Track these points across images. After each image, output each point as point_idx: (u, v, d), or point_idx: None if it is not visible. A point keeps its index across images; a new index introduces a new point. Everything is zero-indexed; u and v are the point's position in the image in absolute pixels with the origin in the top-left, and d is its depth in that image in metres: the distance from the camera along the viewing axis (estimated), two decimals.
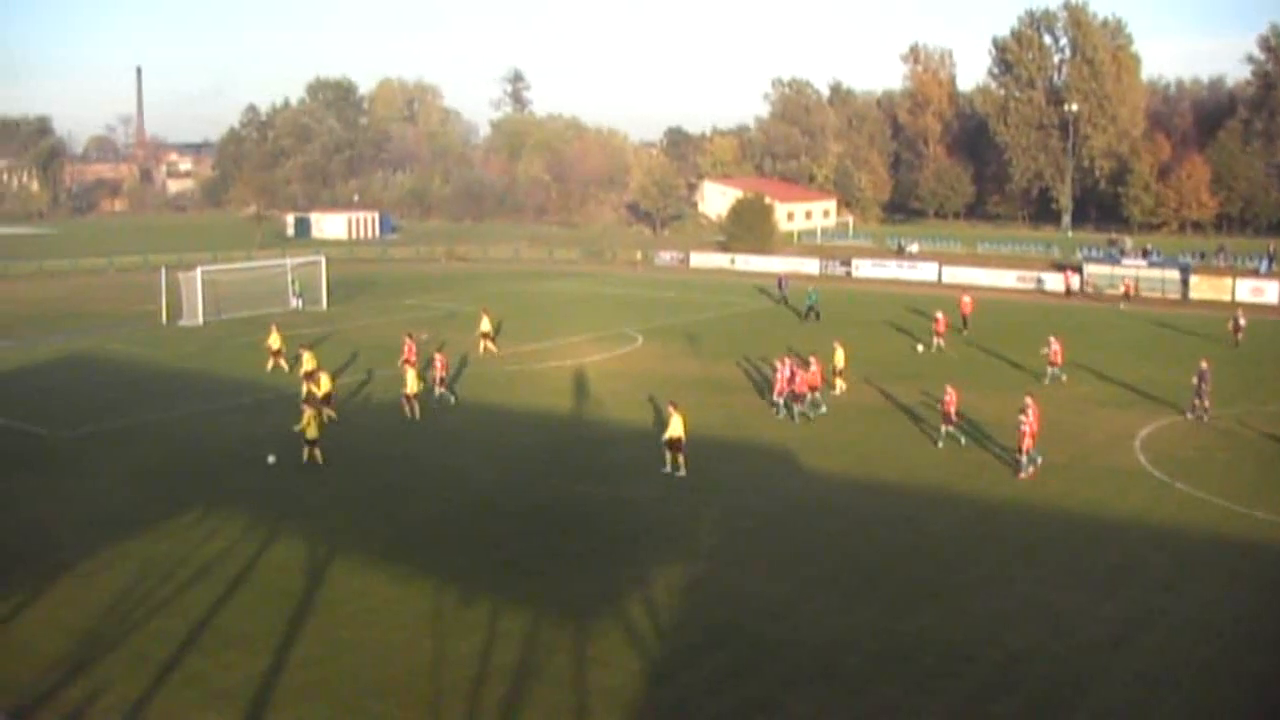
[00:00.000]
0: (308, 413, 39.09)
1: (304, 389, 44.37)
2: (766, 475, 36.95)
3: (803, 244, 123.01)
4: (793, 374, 44.49)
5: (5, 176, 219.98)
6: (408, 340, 50.81)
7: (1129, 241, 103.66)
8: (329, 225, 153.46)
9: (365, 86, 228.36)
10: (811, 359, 46.24)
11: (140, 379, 53.36)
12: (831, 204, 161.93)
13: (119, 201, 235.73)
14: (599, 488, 35.57)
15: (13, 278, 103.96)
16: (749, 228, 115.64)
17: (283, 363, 53.41)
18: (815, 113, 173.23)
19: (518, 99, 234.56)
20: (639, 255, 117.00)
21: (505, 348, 60.32)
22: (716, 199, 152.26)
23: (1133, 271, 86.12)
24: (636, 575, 27.94)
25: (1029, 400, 37.76)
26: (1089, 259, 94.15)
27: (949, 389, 40.93)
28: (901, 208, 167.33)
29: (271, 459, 37.71)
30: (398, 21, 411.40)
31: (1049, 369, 51.14)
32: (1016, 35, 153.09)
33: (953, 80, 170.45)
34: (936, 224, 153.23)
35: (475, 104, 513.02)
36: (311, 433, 38.17)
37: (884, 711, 21.27)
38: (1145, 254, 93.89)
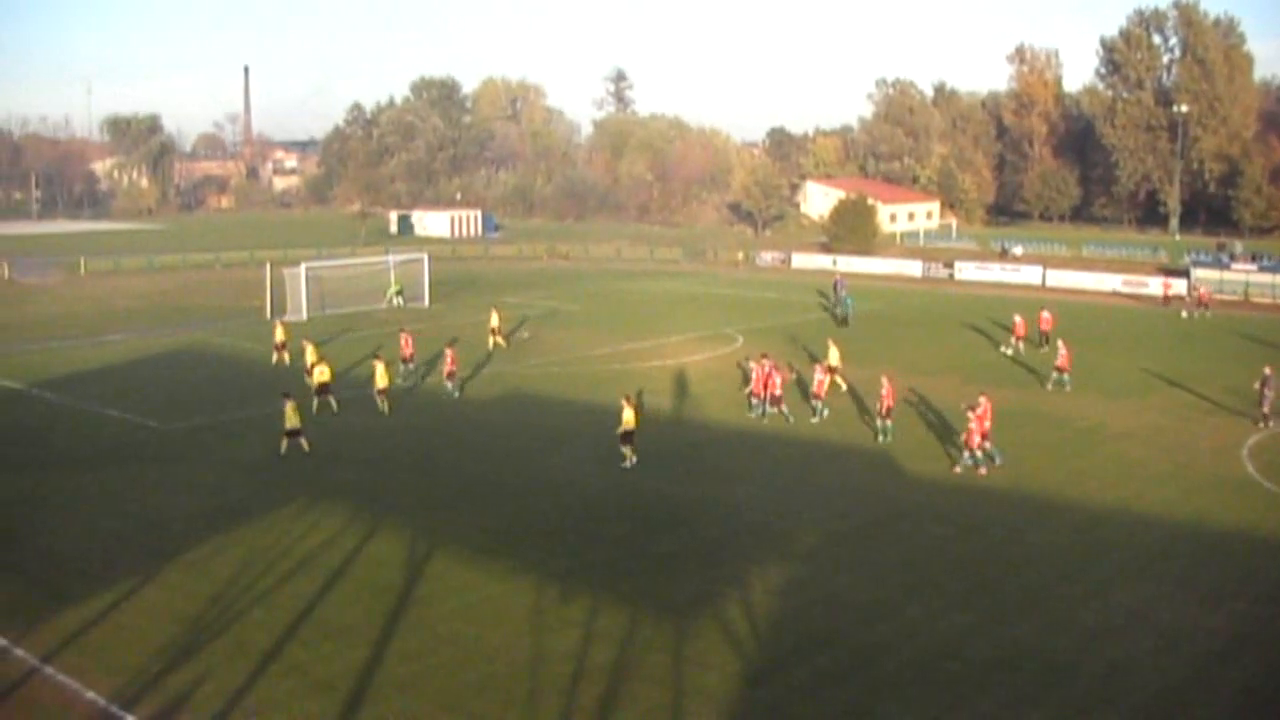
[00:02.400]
0: (289, 405, 39.65)
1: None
2: (867, 479, 36.66)
3: (905, 246, 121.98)
4: (769, 375, 44.43)
5: (116, 174, 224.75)
6: (404, 335, 53.13)
7: (1239, 245, 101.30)
8: (432, 223, 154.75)
9: (469, 85, 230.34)
10: (817, 367, 46.08)
11: (246, 373, 54.23)
12: (935, 205, 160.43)
13: (226, 198, 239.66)
14: (698, 488, 35.53)
15: (124, 273, 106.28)
16: (851, 229, 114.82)
17: (285, 357, 54.90)
18: (919, 113, 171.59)
19: (620, 98, 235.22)
20: (740, 255, 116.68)
21: (607, 347, 60.49)
22: (819, 199, 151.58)
23: (1215, 275, 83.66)
24: (734, 576, 27.86)
25: (982, 399, 37.95)
26: (1197, 263, 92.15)
27: (885, 380, 41.72)
28: (1006, 210, 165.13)
29: None
30: (502, 21, 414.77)
31: (1054, 374, 50.17)
32: (1125, 35, 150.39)
33: (1059, 81, 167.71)
34: (1041, 226, 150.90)
35: (578, 103, 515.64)
36: (295, 422, 39.25)
37: None
38: (1254, 259, 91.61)
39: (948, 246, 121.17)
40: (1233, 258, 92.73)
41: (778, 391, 44.19)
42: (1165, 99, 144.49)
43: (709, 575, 28.09)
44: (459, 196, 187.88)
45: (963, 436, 37.70)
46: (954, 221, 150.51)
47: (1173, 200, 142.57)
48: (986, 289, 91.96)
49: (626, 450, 37.77)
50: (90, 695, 21.76)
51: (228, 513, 32.91)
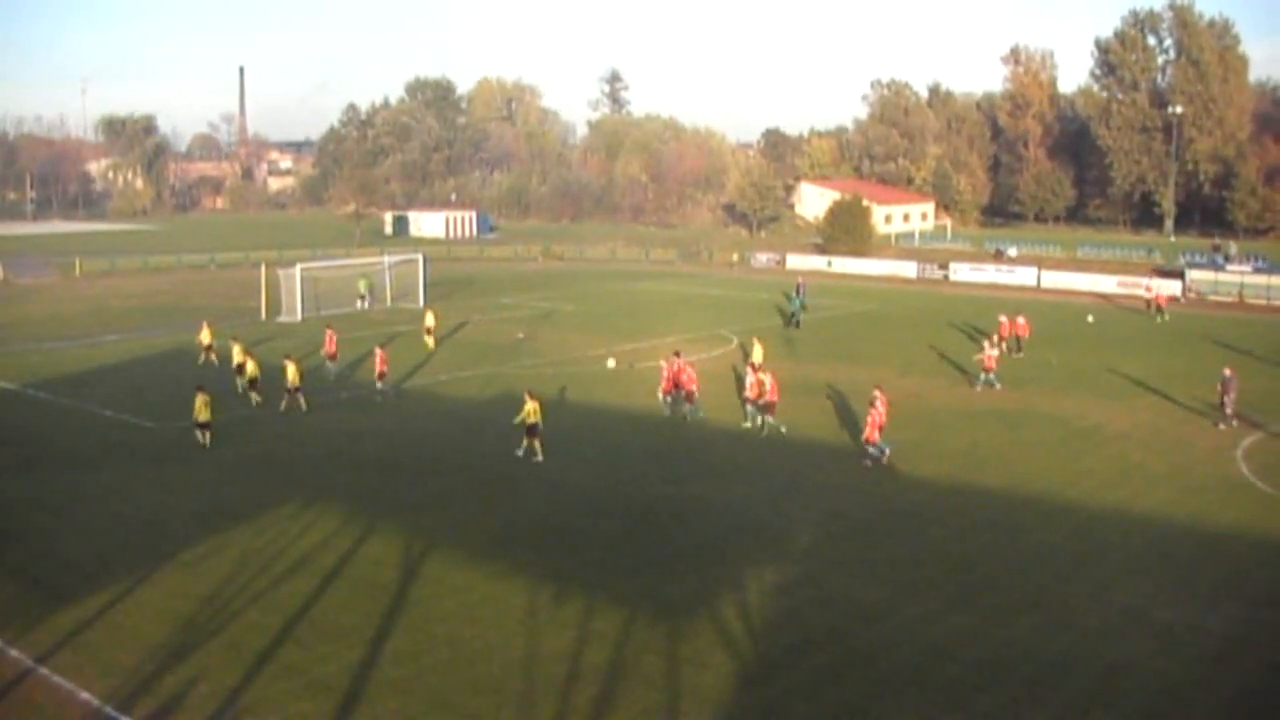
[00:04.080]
0: (200, 398, 40.37)
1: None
2: (866, 479, 36.60)
3: (900, 247, 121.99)
4: (679, 372, 44.83)
5: (111, 174, 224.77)
6: (329, 333, 53.74)
7: (1234, 247, 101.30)
8: (427, 224, 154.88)
9: (464, 86, 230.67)
10: (751, 370, 45.86)
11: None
12: (930, 207, 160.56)
13: (221, 199, 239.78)
14: (694, 488, 35.46)
15: (119, 273, 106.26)
16: (846, 230, 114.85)
17: (213, 357, 55.23)
18: (914, 114, 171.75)
19: (615, 99, 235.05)
20: (735, 256, 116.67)
21: (602, 347, 60.44)
22: (814, 200, 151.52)
23: (1155, 281, 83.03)
24: (731, 576, 27.81)
25: (878, 392, 38.89)
26: (1192, 264, 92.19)
27: (751, 370, 42.97)
28: (1000, 211, 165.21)
29: None
30: (497, 22, 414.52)
31: (983, 374, 50.32)
32: (1120, 36, 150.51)
33: (1054, 82, 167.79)
34: (1036, 228, 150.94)
35: (573, 104, 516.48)
36: (205, 416, 40.23)
37: None
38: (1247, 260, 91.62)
39: (942, 248, 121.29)
40: (1227, 259, 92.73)
41: (692, 388, 44.52)
42: (1160, 100, 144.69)
43: (705, 575, 28.02)
44: (454, 197, 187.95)
45: (864, 434, 38.28)
46: (949, 223, 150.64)
47: (1167, 201, 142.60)
48: (981, 290, 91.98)
49: (532, 443, 38.41)
50: (85, 695, 21.67)
51: (223, 513, 32.83)
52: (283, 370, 46.71)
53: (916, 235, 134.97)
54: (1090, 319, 71.71)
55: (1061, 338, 64.39)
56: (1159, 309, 75.23)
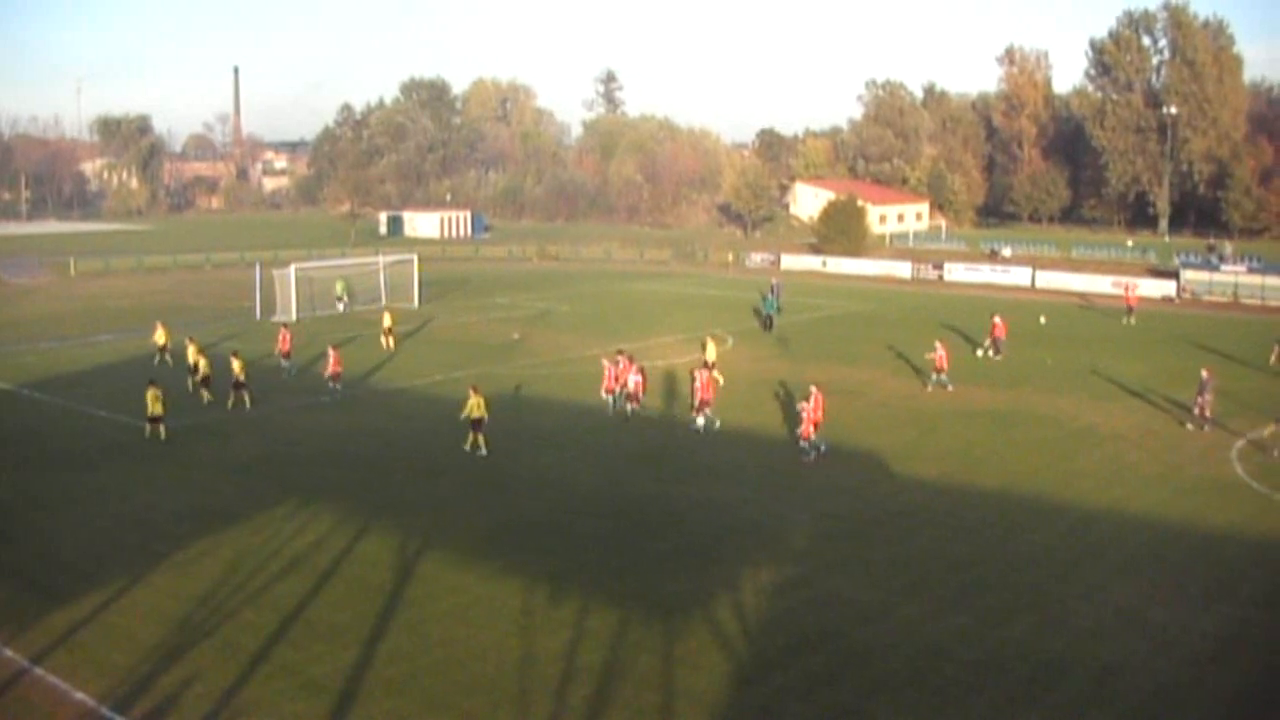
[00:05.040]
0: (151, 392, 41.49)
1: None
2: (861, 479, 36.61)
3: (895, 247, 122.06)
4: (624, 371, 45.30)
5: (106, 174, 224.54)
6: (283, 331, 54.96)
7: (1229, 247, 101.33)
8: (422, 224, 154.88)
9: (459, 86, 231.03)
10: (704, 368, 46.45)
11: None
12: (924, 207, 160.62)
13: (216, 199, 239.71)
14: (689, 488, 35.46)
15: (113, 273, 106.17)
16: (841, 230, 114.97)
17: (167, 358, 55.32)
18: (909, 115, 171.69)
19: (610, 99, 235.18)
20: (730, 257, 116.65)
21: (597, 348, 60.38)
22: (809, 201, 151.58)
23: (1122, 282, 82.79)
24: (726, 577, 27.81)
25: (814, 389, 39.45)
26: (1186, 264, 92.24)
27: (696, 374, 43.75)
28: (995, 211, 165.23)
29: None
30: (492, 22, 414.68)
31: (934, 374, 50.46)
32: (1115, 36, 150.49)
33: (1049, 82, 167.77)
34: (1031, 228, 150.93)
35: (568, 104, 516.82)
36: (157, 410, 41.26)
37: None
38: (1242, 260, 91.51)
39: (937, 248, 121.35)
40: (1222, 259, 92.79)
41: (633, 389, 44.94)
42: (1155, 101, 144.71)
43: (700, 575, 28.02)
44: (449, 197, 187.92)
45: (799, 429, 38.89)
46: (943, 223, 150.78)
47: (1162, 202, 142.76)
48: (976, 290, 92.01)
49: (477, 438, 39.23)
50: (80, 696, 21.65)
51: (217, 513, 32.79)
52: (229, 366, 47.39)
53: (911, 235, 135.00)
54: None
55: (1058, 335, 64.50)
56: (1128, 309, 74.98)
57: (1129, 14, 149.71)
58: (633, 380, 44.78)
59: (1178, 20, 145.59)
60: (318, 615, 25.46)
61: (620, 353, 47.97)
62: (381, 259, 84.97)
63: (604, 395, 46.08)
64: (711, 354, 50.85)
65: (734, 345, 62.25)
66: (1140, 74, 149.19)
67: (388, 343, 61.07)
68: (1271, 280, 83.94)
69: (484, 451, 38.91)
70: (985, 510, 33.36)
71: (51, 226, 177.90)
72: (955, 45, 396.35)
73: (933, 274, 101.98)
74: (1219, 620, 25.46)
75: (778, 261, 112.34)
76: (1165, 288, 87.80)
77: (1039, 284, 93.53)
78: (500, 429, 40.99)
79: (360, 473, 37.34)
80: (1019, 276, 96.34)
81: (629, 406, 44.84)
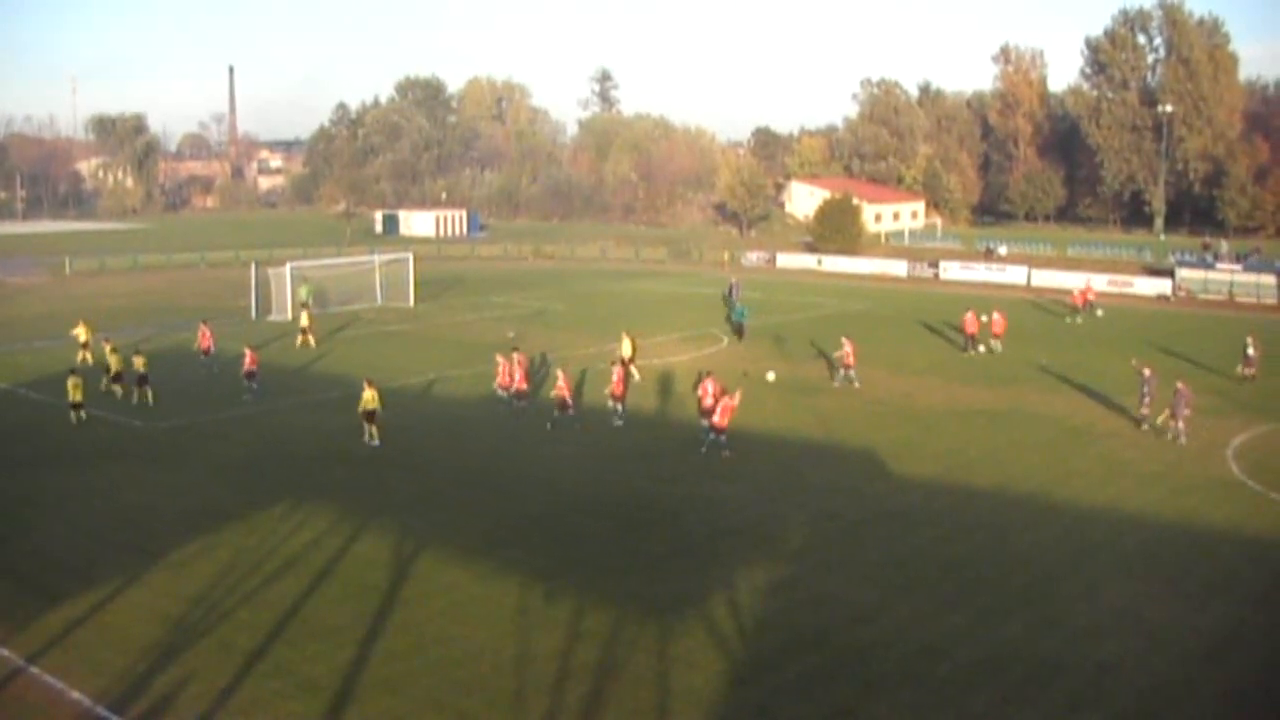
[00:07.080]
0: (71, 380, 44.00)
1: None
2: (856, 479, 36.59)
3: (890, 246, 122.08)
4: (516, 368, 46.53)
5: (101, 173, 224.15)
6: (203, 328, 56.04)
7: (1224, 245, 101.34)
8: (417, 223, 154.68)
9: (454, 85, 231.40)
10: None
11: (231, 373, 53.97)
12: (920, 205, 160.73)
13: (211, 198, 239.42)
14: (684, 488, 35.44)
15: (109, 272, 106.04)
16: (837, 229, 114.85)
17: (88, 356, 55.30)
18: (904, 113, 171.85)
19: (606, 98, 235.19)
20: (726, 255, 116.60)
21: (592, 347, 60.41)
22: (804, 199, 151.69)
23: (1082, 281, 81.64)
24: (721, 576, 27.81)
25: (708, 380, 41.03)
26: (1182, 263, 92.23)
27: (617, 368, 44.72)
28: (991, 210, 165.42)
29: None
30: (487, 21, 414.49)
31: (842, 370, 50.91)
32: (1110, 35, 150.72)
33: (1044, 81, 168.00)
34: (1026, 227, 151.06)
35: (563, 103, 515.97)
36: (77, 397, 43.73)
37: None
38: (1239, 258, 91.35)
39: (933, 246, 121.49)
40: (1217, 257, 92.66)
41: (524, 387, 46.38)
42: (1150, 99, 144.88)
43: (696, 575, 28.02)
44: (444, 196, 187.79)
45: (710, 420, 39.35)
46: (939, 221, 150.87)
47: (1157, 200, 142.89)
48: (972, 289, 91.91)
49: (370, 429, 40.51)
50: (75, 695, 21.65)
51: (213, 513, 32.77)
52: (130, 361, 48.61)
53: (906, 234, 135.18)
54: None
55: (1053, 334, 64.57)
56: (1075, 309, 74.41)
57: (1124, 12, 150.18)
58: (517, 376, 46.21)
59: (1173, 19, 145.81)
60: (313, 614, 25.45)
61: (515, 350, 49.19)
62: (377, 258, 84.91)
63: (498, 391, 47.21)
64: (627, 350, 51.40)
65: (729, 345, 62.28)
66: (1135, 72, 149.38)
67: (305, 340, 61.64)
68: (1266, 279, 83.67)
69: (377, 442, 40.12)
70: (981, 510, 33.37)
71: (46, 226, 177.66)
72: (950, 44, 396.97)
73: (928, 273, 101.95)
74: (1215, 618, 25.47)
75: (773, 260, 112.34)
76: (1161, 286, 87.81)
77: (1034, 282, 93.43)
78: (497, 428, 40.91)
79: (356, 472, 37.33)
80: (1015, 275, 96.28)
81: (517, 404, 45.89)
